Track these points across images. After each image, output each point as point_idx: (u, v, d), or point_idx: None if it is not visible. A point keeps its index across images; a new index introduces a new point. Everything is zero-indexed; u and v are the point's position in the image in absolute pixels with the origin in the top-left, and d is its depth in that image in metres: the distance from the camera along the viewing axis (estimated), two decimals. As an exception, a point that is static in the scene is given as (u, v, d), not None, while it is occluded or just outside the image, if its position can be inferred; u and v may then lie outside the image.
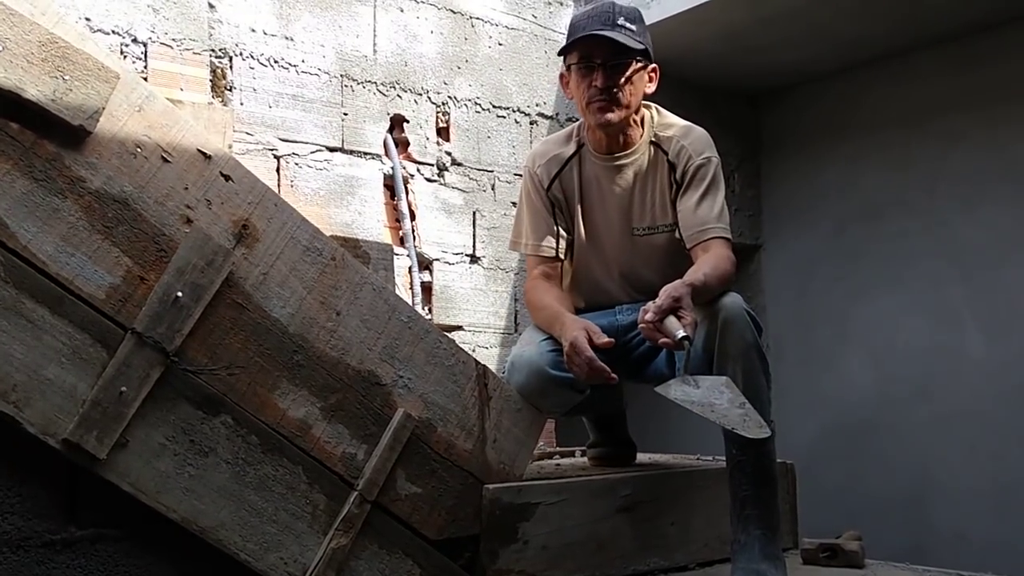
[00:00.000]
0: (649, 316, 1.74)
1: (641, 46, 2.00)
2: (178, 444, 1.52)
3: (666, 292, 1.75)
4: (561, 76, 2.13)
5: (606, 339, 1.87)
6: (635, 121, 2.09)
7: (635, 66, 2.02)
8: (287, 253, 1.65)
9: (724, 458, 1.97)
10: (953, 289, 3.90)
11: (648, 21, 3.01)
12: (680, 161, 2.07)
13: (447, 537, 1.81)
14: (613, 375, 1.85)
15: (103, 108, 1.47)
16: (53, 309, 1.42)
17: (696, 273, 1.86)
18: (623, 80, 2.00)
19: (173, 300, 1.51)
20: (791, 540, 2.32)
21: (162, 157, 1.54)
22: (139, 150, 1.52)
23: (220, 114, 2.66)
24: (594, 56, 2.00)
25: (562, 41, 2.12)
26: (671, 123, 2.13)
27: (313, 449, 1.65)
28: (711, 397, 1.71)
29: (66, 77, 1.44)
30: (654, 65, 2.08)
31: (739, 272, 2.12)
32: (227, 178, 1.61)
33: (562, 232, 2.14)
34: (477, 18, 3.56)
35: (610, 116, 2.01)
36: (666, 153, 2.09)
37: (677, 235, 2.07)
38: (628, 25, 1.99)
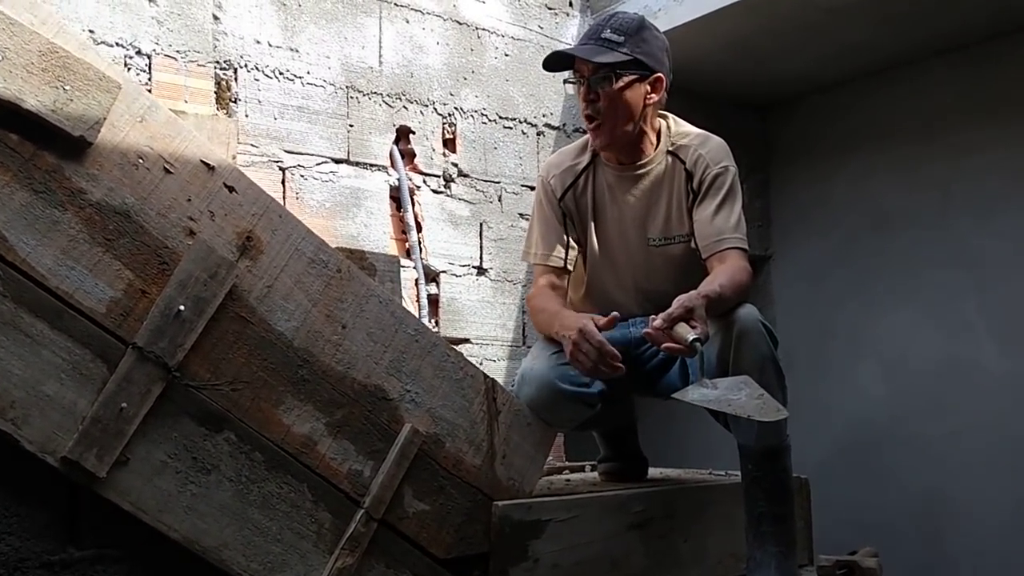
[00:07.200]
0: (658, 323, 1.70)
1: (624, 58, 1.93)
2: (180, 461, 1.49)
3: (679, 302, 1.72)
4: None
5: (606, 318, 1.82)
6: (648, 132, 2.06)
7: (625, 79, 1.96)
8: (292, 265, 1.62)
9: (737, 473, 1.94)
10: (967, 300, 3.85)
11: (656, 30, 2.99)
12: (697, 170, 2.03)
13: (455, 556, 1.77)
14: (620, 364, 1.80)
15: (104, 118, 1.45)
16: (52, 324, 1.39)
17: (711, 284, 1.82)
18: (609, 96, 1.95)
19: (175, 314, 1.47)
20: (807, 557, 2.27)
21: (164, 168, 1.51)
22: (141, 161, 1.49)
23: (223, 125, 2.64)
24: (581, 71, 1.98)
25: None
26: (688, 132, 2.10)
27: (318, 466, 1.62)
28: (729, 394, 1.69)
29: (67, 87, 1.41)
30: (657, 75, 2.01)
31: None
32: (231, 189, 1.58)
33: (572, 243, 2.11)
34: (483, 29, 3.54)
35: (598, 141, 2.01)
36: (683, 162, 2.05)
37: (693, 245, 2.04)
38: (613, 37, 1.93)
